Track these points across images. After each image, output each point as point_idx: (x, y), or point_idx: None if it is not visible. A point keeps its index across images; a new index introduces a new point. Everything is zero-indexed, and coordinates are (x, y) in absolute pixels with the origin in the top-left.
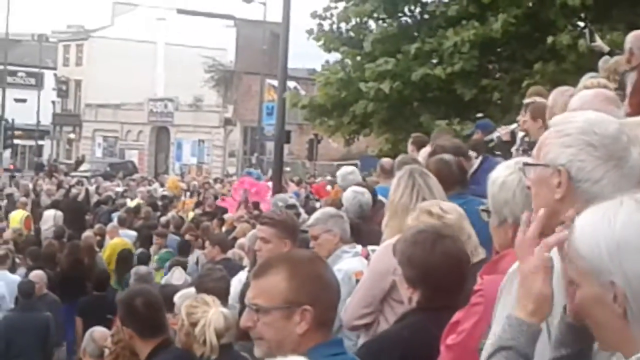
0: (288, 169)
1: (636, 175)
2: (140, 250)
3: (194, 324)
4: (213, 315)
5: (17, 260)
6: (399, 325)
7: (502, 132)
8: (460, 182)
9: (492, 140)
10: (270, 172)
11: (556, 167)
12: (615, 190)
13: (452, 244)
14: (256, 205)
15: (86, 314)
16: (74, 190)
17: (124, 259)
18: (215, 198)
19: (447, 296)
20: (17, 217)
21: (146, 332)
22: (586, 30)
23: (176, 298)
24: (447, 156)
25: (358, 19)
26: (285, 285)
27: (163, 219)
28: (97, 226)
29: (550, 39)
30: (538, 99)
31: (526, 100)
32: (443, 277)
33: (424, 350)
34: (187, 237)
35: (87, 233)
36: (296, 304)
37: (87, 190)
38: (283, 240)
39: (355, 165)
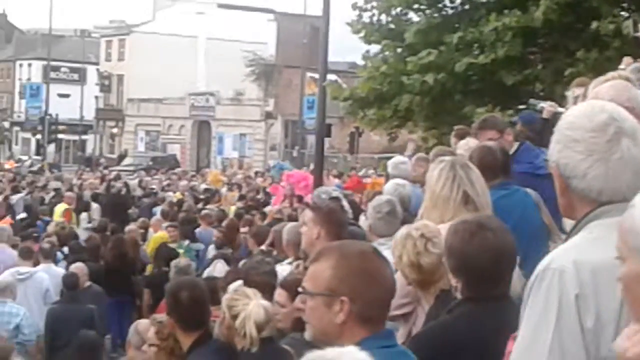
0: (335, 160)
1: (630, 166)
2: (186, 242)
3: (234, 317)
4: (253, 307)
5: (59, 253)
6: (449, 317)
7: (547, 107)
8: (504, 171)
9: (534, 105)
10: (311, 166)
11: (551, 163)
12: (605, 184)
13: (492, 235)
14: (300, 198)
15: (154, 287)
16: (117, 184)
17: (162, 253)
18: (257, 192)
19: (488, 287)
20: (59, 210)
21: (188, 325)
22: (630, 20)
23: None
24: (491, 143)
25: (399, 9)
26: (329, 274)
27: (203, 213)
28: (140, 220)
29: (594, 24)
30: (577, 90)
31: (568, 93)
32: (481, 267)
33: (475, 340)
34: (215, 233)
35: (131, 226)
36: (336, 294)
37: (126, 184)
38: (316, 226)
39: None
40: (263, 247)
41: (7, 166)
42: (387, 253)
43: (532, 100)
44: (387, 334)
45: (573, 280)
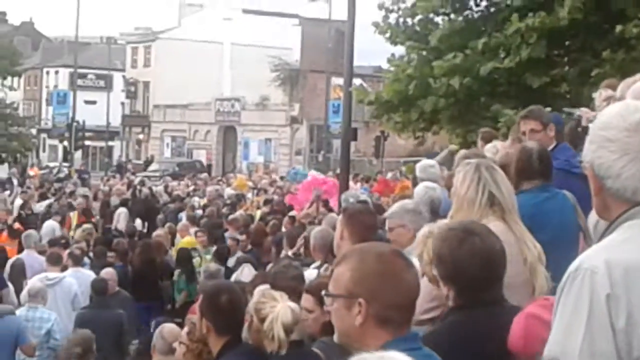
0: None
1: None
2: (215, 247)
3: (262, 320)
4: (280, 310)
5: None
6: (440, 326)
7: (584, 114)
8: (542, 174)
9: (570, 114)
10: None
11: (586, 163)
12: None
13: (480, 241)
14: (326, 203)
15: None
16: (144, 190)
17: (185, 258)
18: (283, 196)
19: (480, 292)
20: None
21: (224, 329)
22: None
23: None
24: (530, 144)
25: (424, 15)
26: (348, 276)
27: (230, 218)
28: (167, 225)
29: (619, 28)
30: (604, 92)
31: (595, 95)
32: (471, 274)
33: (467, 348)
34: (229, 241)
35: (159, 232)
36: (354, 296)
37: (150, 190)
38: (341, 226)
39: None
40: (289, 253)
41: (31, 173)
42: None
43: (566, 109)
44: (412, 336)
45: (604, 280)
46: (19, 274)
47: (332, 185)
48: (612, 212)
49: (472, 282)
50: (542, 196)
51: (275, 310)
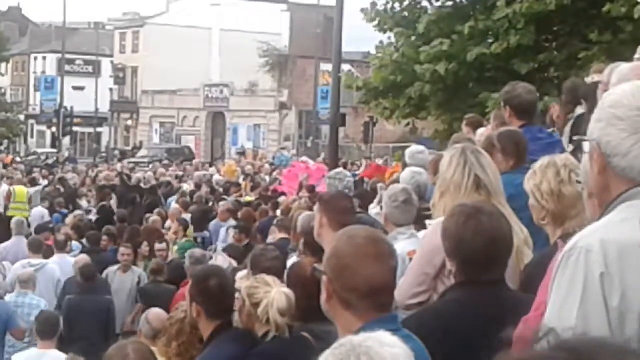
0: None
1: None
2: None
3: (255, 305)
4: (275, 295)
5: (76, 244)
6: (439, 302)
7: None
8: (518, 156)
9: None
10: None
11: (591, 141)
12: None
13: (486, 220)
14: (311, 188)
15: None
16: (137, 175)
17: None
18: (272, 182)
19: (481, 271)
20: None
21: (214, 313)
22: None
23: (237, 279)
24: (515, 129)
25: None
26: (326, 253)
27: (220, 206)
28: (156, 210)
29: (606, 7)
30: (597, 77)
31: (587, 80)
32: (473, 251)
33: (464, 325)
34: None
35: (153, 217)
36: (324, 272)
37: (143, 177)
38: (319, 214)
39: None
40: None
41: (17, 159)
42: (404, 243)
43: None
44: (389, 318)
45: (599, 259)
46: None
47: (316, 170)
48: (612, 192)
49: (474, 260)
50: (521, 177)
51: (270, 295)
